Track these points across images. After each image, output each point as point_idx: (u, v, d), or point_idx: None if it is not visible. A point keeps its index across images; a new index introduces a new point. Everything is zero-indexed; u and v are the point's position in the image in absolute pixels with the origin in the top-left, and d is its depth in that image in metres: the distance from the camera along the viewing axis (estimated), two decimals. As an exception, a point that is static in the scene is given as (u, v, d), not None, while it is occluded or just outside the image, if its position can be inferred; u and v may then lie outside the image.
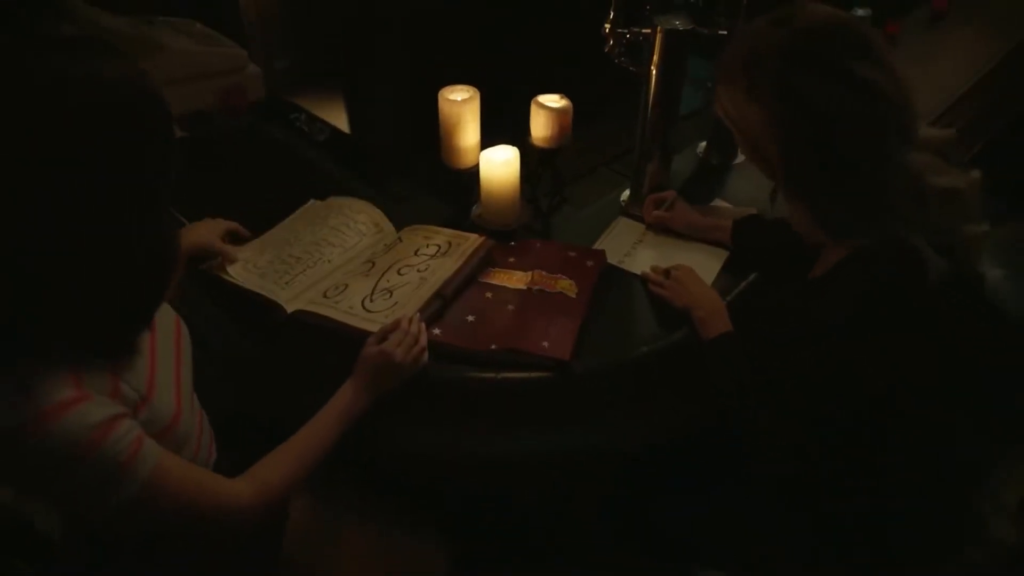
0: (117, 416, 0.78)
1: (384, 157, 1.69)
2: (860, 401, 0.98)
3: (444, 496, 1.30)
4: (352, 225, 1.45)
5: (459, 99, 1.34)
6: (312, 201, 1.52)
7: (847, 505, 1.09)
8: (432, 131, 1.41)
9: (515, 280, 1.30)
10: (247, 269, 1.32)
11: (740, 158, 1.68)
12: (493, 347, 1.16)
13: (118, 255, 0.76)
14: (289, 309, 1.23)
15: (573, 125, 1.43)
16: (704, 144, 1.71)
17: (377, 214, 1.48)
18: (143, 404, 0.85)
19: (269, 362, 1.27)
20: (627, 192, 1.57)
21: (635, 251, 1.41)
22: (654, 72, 1.37)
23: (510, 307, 1.24)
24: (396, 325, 1.13)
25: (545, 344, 1.16)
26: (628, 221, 1.50)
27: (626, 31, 1.37)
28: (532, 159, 1.44)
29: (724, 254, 1.39)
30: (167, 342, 0.98)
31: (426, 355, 1.14)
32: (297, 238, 1.41)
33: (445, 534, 1.25)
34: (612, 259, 1.37)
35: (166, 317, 1.02)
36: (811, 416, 1.01)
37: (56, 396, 0.74)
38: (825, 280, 1.01)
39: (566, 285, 1.28)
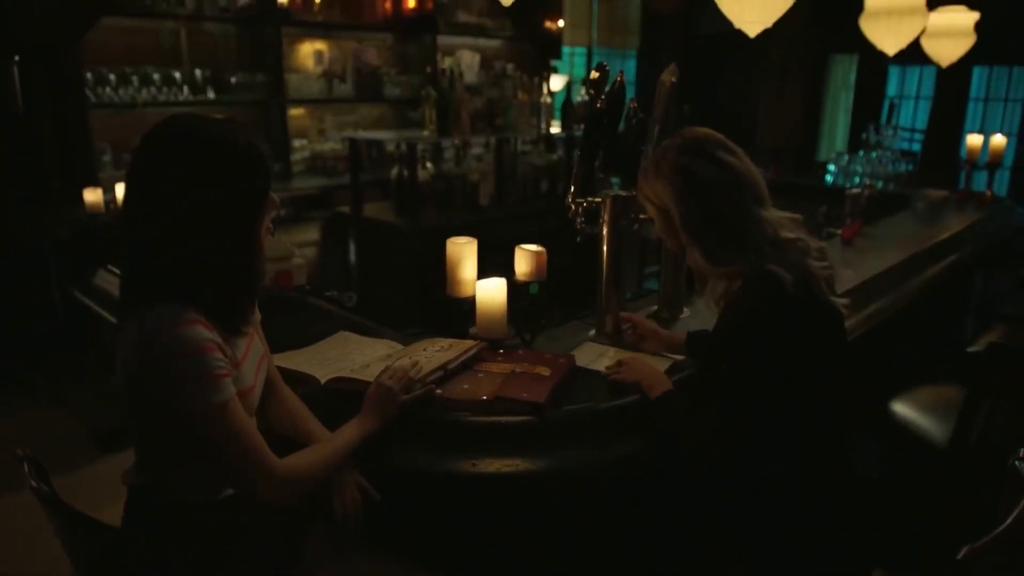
0: (221, 346, 1.13)
1: (399, 311, 2.12)
2: (768, 396, 1.29)
3: (443, 531, 1.50)
4: (370, 346, 1.83)
5: (461, 243, 1.80)
6: (342, 332, 1.91)
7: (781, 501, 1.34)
8: (434, 290, 1.85)
9: (501, 368, 1.65)
10: (286, 359, 1.67)
11: (685, 313, 2.11)
12: (484, 398, 1.48)
13: (229, 245, 1.17)
14: (323, 381, 1.56)
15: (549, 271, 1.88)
16: (656, 307, 2.15)
17: (391, 343, 1.85)
18: (235, 367, 1.19)
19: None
20: (593, 331, 1.96)
21: (598, 360, 1.77)
22: (606, 231, 1.86)
23: (497, 380, 1.57)
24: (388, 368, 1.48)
25: (525, 395, 1.48)
26: (593, 343, 1.87)
27: (583, 200, 1.88)
28: (518, 297, 1.86)
29: (668, 361, 1.75)
30: (256, 355, 1.33)
31: (417, 386, 1.46)
32: (325, 352, 1.78)
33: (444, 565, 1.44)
34: (580, 363, 1.73)
35: (259, 346, 1.37)
36: (730, 422, 1.31)
37: (187, 317, 1.11)
38: (721, 312, 1.39)
39: (543, 369, 1.62)
